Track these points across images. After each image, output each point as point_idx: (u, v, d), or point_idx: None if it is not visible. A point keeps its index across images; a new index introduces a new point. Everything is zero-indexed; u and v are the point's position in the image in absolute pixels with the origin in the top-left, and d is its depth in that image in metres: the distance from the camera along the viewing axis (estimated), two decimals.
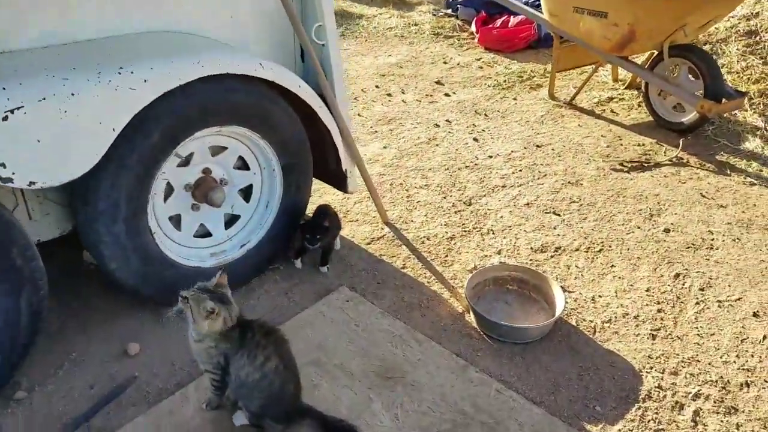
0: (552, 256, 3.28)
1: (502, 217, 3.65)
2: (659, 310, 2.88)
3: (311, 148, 2.95)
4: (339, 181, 3.25)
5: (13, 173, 1.99)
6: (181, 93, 2.34)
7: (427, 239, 3.44)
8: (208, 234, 2.83)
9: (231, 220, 2.90)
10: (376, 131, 4.84)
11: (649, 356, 2.61)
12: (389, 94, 5.59)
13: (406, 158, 4.40)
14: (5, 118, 1.94)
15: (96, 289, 2.86)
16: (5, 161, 1.96)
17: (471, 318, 2.82)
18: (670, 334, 2.74)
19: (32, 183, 2.04)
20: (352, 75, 6.06)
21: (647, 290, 3.02)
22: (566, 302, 2.82)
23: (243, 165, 2.85)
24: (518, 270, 3.02)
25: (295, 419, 2.16)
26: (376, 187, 3.76)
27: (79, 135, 2.11)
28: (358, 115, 5.12)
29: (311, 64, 2.97)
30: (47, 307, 2.31)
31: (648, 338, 2.71)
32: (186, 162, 2.63)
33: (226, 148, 2.74)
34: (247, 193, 2.93)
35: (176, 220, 2.70)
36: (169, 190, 2.62)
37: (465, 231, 3.52)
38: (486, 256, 3.30)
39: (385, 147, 4.57)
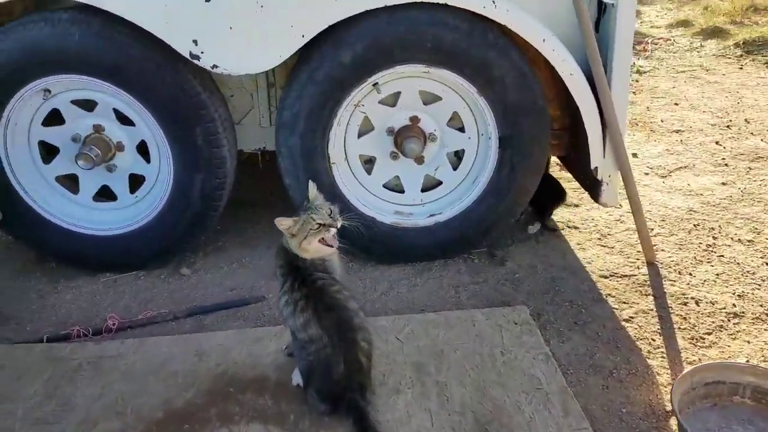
0: None
1: None
2: None
3: (572, 134, 2.32)
4: (593, 186, 2.50)
5: (202, 52, 2.10)
6: (385, 15, 2.10)
7: (696, 303, 2.36)
8: (400, 191, 2.53)
9: (430, 186, 2.53)
10: (726, 164, 3.61)
11: None
12: None
13: (745, 203, 3.13)
14: (208, 0, 2.04)
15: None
16: (198, 39, 2.08)
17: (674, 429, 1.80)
18: None
19: (215, 66, 2.13)
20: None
21: None
22: None
23: (461, 127, 2.44)
24: None
25: (340, 410, 1.74)
26: (674, 222, 2.89)
27: (269, 32, 2.10)
28: (717, 143, 3.91)
29: (607, 30, 2.29)
30: (222, 200, 2.43)
31: None
32: (393, 103, 2.38)
33: (440, 98, 2.37)
34: (457, 160, 2.50)
35: (370, 166, 2.49)
36: (367, 128, 2.42)
37: (765, 313, 2.29)
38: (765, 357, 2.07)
39: (724, 183, 3.37)
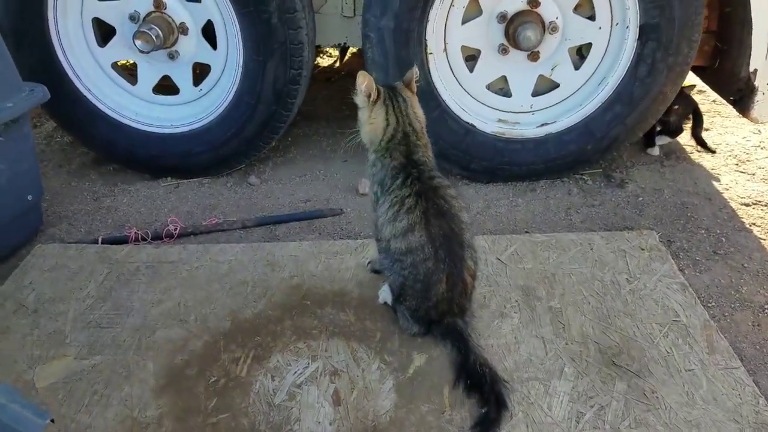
0: None
1: None
2: None
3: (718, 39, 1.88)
4: (742, 97, 2.03)
5: None
6: None
7: None
8: (505, 95, 2.13)
9: (544, 91, 2.12)
10: None
11: None
12: None
13: None
14: None
15: None
16: None
17: None
18: None
19: None
20: None
21: None
22: None
23: (590, 16, 2.00)
24: None
25: (434, 331, 1.42)
26: None
27: None
28: None
29: None
30: (297, 97, 2.09)
31: None
32: None
33: None
34: (580, 59, 2.07)
35: (472, 63, 2.09)
36: (474, 12, 2.01)
37: None
38: None
39: None
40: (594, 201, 2.09)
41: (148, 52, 2.02)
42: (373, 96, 1.47)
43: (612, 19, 1.96)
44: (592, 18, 1.98)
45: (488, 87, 2.12)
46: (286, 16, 1.93)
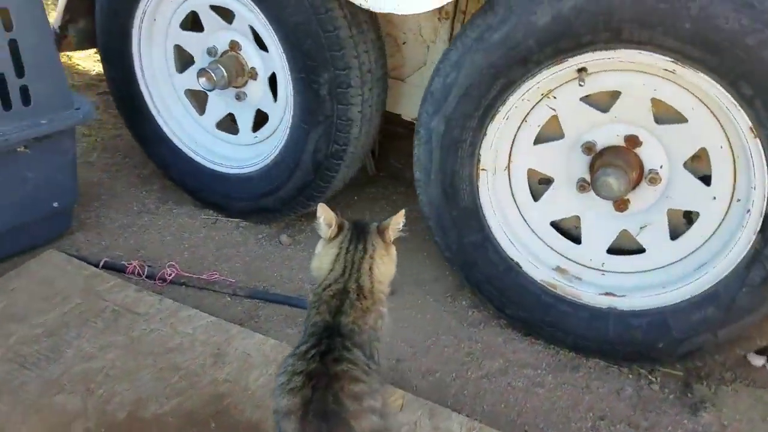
0: None
1: None
2: None
3: None
4: None
5: None
6: None
7: None
8: (574, 239, 1.69)
9: (625, 250, 1.63)
10: None
11: None
12: None
13: None
14: None
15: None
16: None
17: None
18: None
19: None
20: None
21: None
22: None
23: (705, 176, 1.48)
24: None
25: None
26: None
27: None
28: None
29: None
30: (337, 172, 1.88)
31: None
32: (603, 107, 1.52)
33: (685, 120, 1.44)
34: (684, 224, 1.56)
35: (540, 190, 1.69)
36: (553, 134, 1.61)
37: None
38: None
39: None
40: (644, 420, 1.56)
41: (209, 91, 1.95)
42: (331, 232, 1.21)
43: (733, 193, 1.42)
44: (707, 181, 1.47)
45: (554, 224, 1.70)
46: (338, 90, 1.72)
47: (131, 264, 1.90)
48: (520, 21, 1.38)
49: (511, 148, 1.64)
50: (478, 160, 1.62)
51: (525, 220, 1.72)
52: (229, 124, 2.14)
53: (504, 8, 1.40)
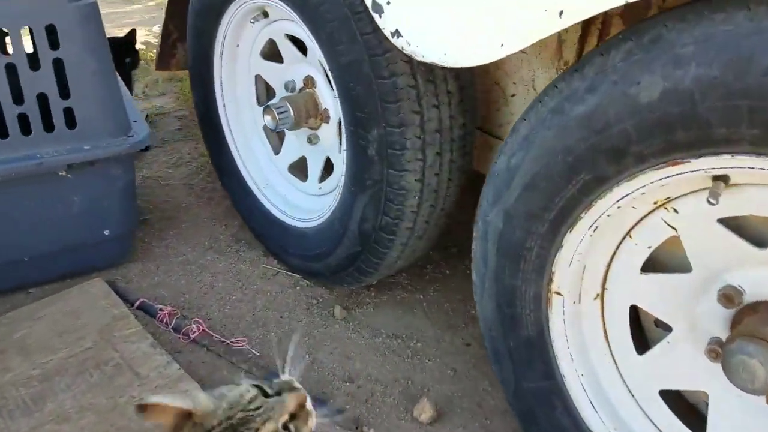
0: None
1: None
2: None
3: None
4: None
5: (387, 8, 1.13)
6: None
7: None
8: (698, 419, 1.08)
9: None
10: None
11: None
12: None
13: None
14: None
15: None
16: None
17: None
18: None
19: (397, 34, 1.13)
20: None
21: None
22: None
23: None
24: None
25: None
26: None
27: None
28: None
29: None
30: (388, 248, 1.50)
31: None
32: (755, 237, 0.93)
33: None
34: None
35: (648, 337, 1.11)
36: (671, 262, 1.04)
37: None
38: None
39: None
40: None
41: (273, 130, 1.71)
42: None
43: None
44: None
45: (665, 393, 1.11)
46: (388, 151, 1.34)
47: (163, 311, 1.73)
48: (613, 92, 0.87)
49: (607, 271, 1.10)
50: (551, 279, 1.11)
51: (621, 376, 1.15)
52: (303, 168, 1.88)
53: (596, 70, 0.90)
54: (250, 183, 1.92)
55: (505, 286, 1.16)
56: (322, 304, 1.82)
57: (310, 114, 1.67)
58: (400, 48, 1.12)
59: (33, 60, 1.45)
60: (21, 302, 1.76)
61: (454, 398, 1.53)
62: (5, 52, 1.49)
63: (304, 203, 1.81)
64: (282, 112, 1.63)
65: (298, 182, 1.86)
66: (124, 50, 2.42)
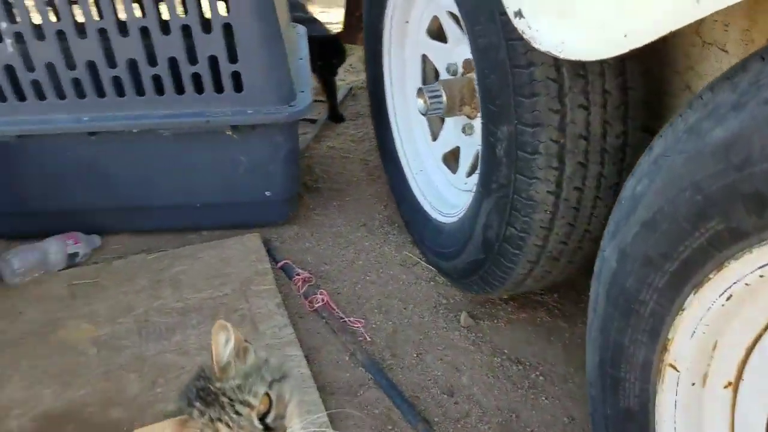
0: None
1: None
2: None
3: None
4: None
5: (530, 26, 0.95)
6: None
7: None
8: None
9: None
10: None
11: None
12: None
13: None
14: None
15: None
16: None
17: None
18: None
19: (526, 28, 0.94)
20: None
21: None
22: None
23: None
24: None
25: None
26: None
27: None
28: None
29: None
30: (515, 263, 1.33)
31: None
32: None
33: None
34: None
35: None
36: None
37: None
38: None
39: None
40: None
41: (424, 115, 1.62)
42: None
43: None
44: None
45: None
46: (518, 153, 1.17)
47: (299, 276, 1.80)
48: (762, 114, 0.60)
49: (747, 356, 0.81)
50: (665, 348, 0.85)
51: None
52: (456, 159, 1.76)
53: (750, 80, 0.64)
54: (405, 166, 1.87)
55: (610, 341, 0.93)
56: (451, 306, 1.71)
57: (464, 101, 1.55)
58: (521, 32, 0.93)
59: (205, 24, 1.57)
60: (191, 241, 1.97)
61: None
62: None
63: (449, 196, 1.70)
64: (434, 97, 1.53)
65: (449, 173, 1.75)
66: (331, 50, 2.51)
